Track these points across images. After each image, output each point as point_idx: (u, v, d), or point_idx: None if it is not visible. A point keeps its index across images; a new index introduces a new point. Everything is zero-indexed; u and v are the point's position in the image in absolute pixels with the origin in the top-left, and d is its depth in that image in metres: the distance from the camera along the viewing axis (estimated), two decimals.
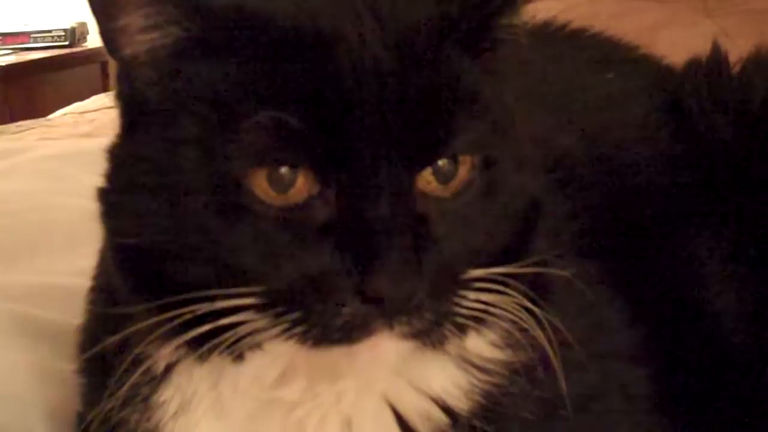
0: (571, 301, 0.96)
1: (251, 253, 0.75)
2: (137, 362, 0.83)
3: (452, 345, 0.83)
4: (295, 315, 0.74)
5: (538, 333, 0.83)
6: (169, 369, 0.86)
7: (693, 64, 1.31)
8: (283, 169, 0.75)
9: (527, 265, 0.83)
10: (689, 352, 1.09)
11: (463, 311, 0.79)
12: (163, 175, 0.77)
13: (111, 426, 0.88)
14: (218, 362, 0.81)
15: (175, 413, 0.87)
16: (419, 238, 0.75)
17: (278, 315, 0.74)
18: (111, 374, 0.85)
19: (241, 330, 0.75)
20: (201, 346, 0.78)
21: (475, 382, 0.88)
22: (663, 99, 1.26)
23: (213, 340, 0.76)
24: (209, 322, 0.75)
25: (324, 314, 0.74)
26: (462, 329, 0.81)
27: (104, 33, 0.79)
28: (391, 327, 0.75)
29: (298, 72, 0.74)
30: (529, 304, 0.83)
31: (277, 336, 0.75)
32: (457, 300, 0.78)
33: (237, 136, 0.74)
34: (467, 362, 0.87)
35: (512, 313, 0.82)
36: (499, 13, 0.83)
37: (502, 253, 0.82)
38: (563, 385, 0.85)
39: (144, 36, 0.78)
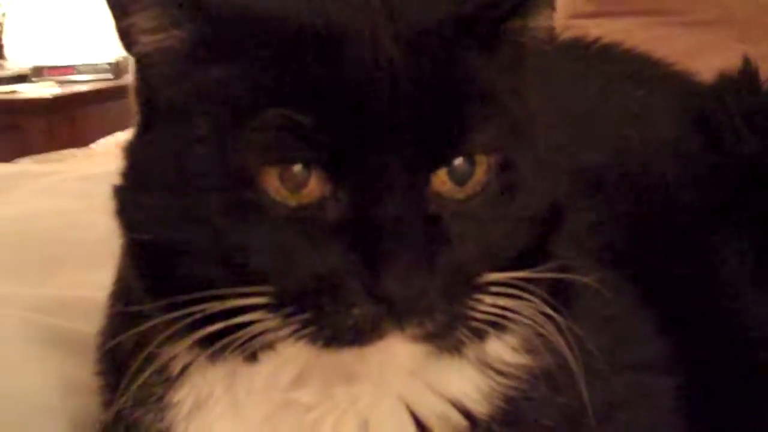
0: (595, 308, 0.95)
1: (262, 252, 0.74)
2: (151, 361, 0.83)
3: (471, 349, 0.82)
4: (306, 315, 0.73)
5: (557, 339, 0.82)
6: (184, 369, 0.85)
7: (723, 80, 1.30)
8: (295, 168, 0.74)
9: (546, 270, 0.81)
10: (716, 365, 1.07)
11: (479, 315, 0.78)
12: (176, 173, 0.76)
13: (125, 426, 0.88)
14: (232, 363, 0.80)
15: (189, 413, 0.86)
16: (431, 239, 0.74)
17: (289, 315, 0.74)
18: (125, 373, 0.85)
19: (252, 330, 0.75)
20: (213, 345, 0.77)
21: (495, 386, 0.86)
22: (693, 114, 1.25)
23: (224, 340, 0.76)
24: (220, 321, 0.75)
25: (334, 315, 0.73)
26: (479, 333, 0.80)
27: (118, 30, 0.80)
28: (402, 329, 0.74)
29: (309, 69, 0.74)
30: (549, 310, 0.81)
31: (287, 336, 0.75)
32: (471, 303, 0.77)
33: (248, 134, 0.73)
34: (487, 366, 0.86)
35: (531, 319, 0.81)
36: (515, 13, 0.82)
37: (520, 258, 0.81)
38: (584, 392, 0.84)
39: (149, 37, 0.79)
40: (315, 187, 0.74)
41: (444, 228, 0.76)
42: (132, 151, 0.83)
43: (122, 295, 0.92)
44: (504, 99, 0.80)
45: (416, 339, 0.75)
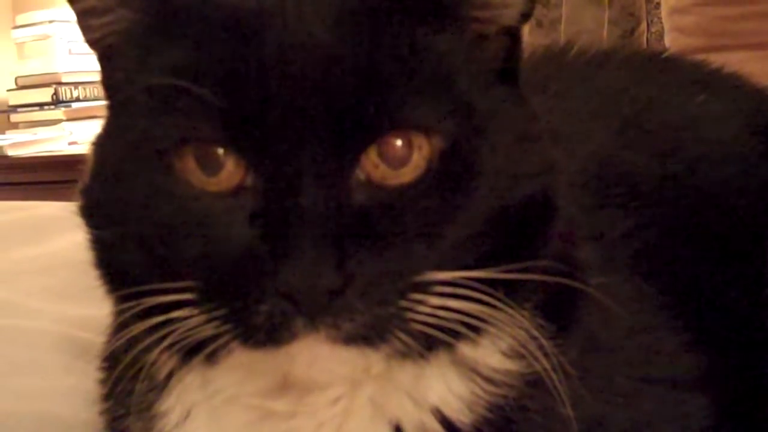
0: (616, 318, 0.87)
1: (184, 243, 0.71)
2: (139, 369, 0.80)
3: (440, 353, 0.77)
4: (223, 311, 0.70)
5: (532, 348, 0.76)
6: (169, 378, 0.82)
7: None
8: (211, 151, 0.71)
9: (519, 271, 0.74)
10: (760, 381, 0.97)
11: (422, 318, 0.71)
12: (115, 163, 0.76)
13: None
14: (202, 369, 0.78)
15: (177, 424, 0.83)
16: (350, 231, 0.69)
17: (210, 311, 0.70)
18: (116, 380, 0.84)
19: (181, 326, 0.71)
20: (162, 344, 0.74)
21: (480, 392, 0.79)
22: (756, 121, 1.16)
23: (157, 335, 0.73)
24: (157, 316, 0.72)
25: (244, 311, 0.69)
26: (434, 338, 0.73)
27: (76, 16, 0.79)
28: (315, 329, 0.69)
29: (225, 50, 0.71)
30: (519, 316, 0.75)
31: (212, 334, 0.71)
32: (407, 304, 0.71)
33: (165, 115, 0.71)
34: (473, 371, 0.80)
35: (497, 326, 0.75)
36: None
37: (491, 257, 0.74)
38: (567, 406, 0.77)
39: (99, 19, 0.78)
40: (232, 172, 0.71)
41: (371, 220, 0.70)
42: (95, 144, 0.81)
43: None
44: (455, 77, 0.74)
45: (335, 340, 0.70)
